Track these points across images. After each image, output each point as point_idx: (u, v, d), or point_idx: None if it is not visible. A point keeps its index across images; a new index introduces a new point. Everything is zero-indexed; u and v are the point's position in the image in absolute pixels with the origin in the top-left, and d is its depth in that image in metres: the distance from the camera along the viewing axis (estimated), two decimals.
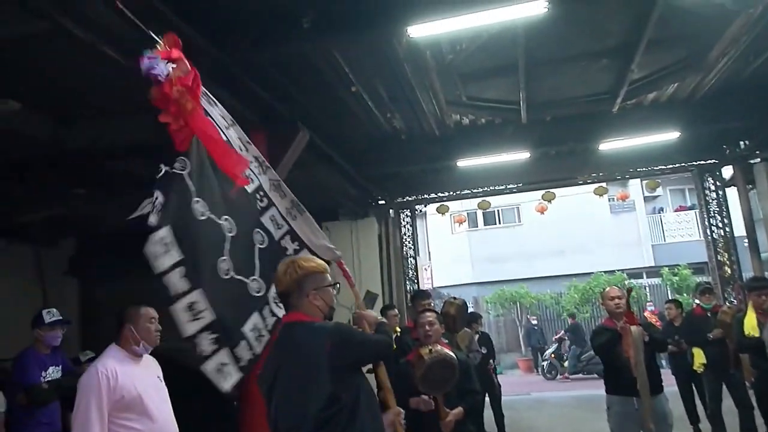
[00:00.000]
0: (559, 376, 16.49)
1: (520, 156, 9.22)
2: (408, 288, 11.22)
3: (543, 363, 17.19)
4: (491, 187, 11.00)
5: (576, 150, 9.79)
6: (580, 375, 15.71)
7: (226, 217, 2.59)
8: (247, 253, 2.69)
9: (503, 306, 20.88)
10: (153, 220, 2.24)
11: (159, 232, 2.24)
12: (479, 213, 21.60)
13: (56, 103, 5.78)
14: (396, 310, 6.42)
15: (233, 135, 2.73)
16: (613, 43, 6.46)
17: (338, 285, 2.43)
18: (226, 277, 2.53)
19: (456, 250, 23.05)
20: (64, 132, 6.04)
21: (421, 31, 4.72)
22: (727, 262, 10.17)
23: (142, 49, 2.34)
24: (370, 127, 8.00)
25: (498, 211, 22.72)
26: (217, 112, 2.70)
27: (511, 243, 22.41)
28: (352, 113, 7.24)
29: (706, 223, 10.47)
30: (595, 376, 13.83)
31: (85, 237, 9.90)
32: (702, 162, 10.26)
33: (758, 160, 9.50)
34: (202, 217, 2.47)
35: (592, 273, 19.84)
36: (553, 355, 16.89)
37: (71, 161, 6.44)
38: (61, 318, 4.81)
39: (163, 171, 2.34)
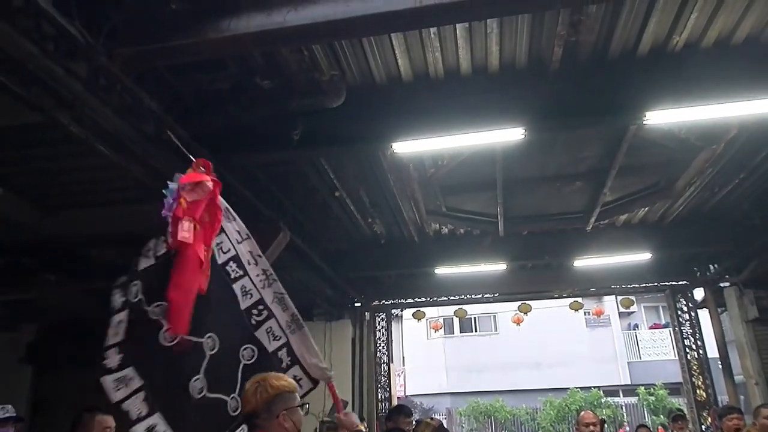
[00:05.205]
0: None
1: (497, 267, 9.33)
2: (380, 395, 10.81)
3: None
4: (468, 295, 11.00)
5: (552, 264, 9.95)
6: None
7: (210, 334, 2.62)
8: (230, 369, 2.68)
9: (477, 420, 20.12)
10: (113, 362, 2.34)
11: (121, 372, 2.34)
12: (455, 320, 21.40)
13: (40, 189, 5.81)
14: (365, 424, 6.14)
15: (244, 249, 2.85)
16: (586, 167, 6.80)
17: (307, 406, 2.33)
18: (199, 396, 2.50)
19: (431, 356, 22.54)
20: (44, 218, 6.02)
21: (405, 147, 4.96)
22: (702, 386, 10.07)
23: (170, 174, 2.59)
24: (351, 230, 8.11)
25: (474, 318, 22.53)
26: (233, 227, 2.87)
27: (487, 352, 22.03)
28: (334, 216, 7.37)
29: (680, 344, 10.48)
30: None
31: (46, 324, 9.54)
32: (674, 283, 10.45)
33: (728, 284, 9.72)
34: (171, 343, 2.48)
35: (569, 388, 19.42)
36: None
37: (47, 247, 6.36)
38: (14, 415, 4.54)
39: (125, 308, 2.41)
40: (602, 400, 19.14)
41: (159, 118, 4.13)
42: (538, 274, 10.28)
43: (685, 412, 9.23)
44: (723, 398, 10.48)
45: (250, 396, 2.24)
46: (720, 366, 9.99)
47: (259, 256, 2.97)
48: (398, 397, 15.95)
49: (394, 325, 13.38)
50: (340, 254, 8.80)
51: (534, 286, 10.65)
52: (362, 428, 2.84)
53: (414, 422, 4.99)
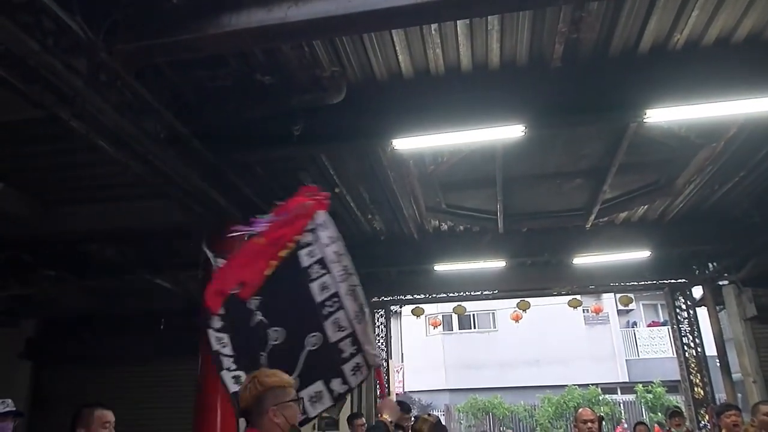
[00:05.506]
0: None
1: (497, 264, 9.34)
2: (378, 392, 10.82)
3: None
4: (467, 292, 11.00)
5: (551, 262, 9.95)
6: None
7: (277, 328, 3.09)
8: (293, 354, 3.04)
9: (476, 416, 20.17)
10: (216, 324, 2.95)
11: (220, 333, 2.96)
12: (454, 317, 21.43)
13: (40, 184, 5.81)
14: (363, 419, 6.16)
15: (330, 250, 3.23)
16: (586, 164, 6.80)
17: (302, 399, 2.34)
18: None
19: (430, 353, 22.58)
20: (44, 213, 6.02)
21: (405, 144, 4.96)
22: (700, 383, 10.11)
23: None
24: (350, 226, 8.09)
25: (473, 315, 22.56)
26: (326, 234, 3.27)
27: (485, 349, 22.07)
28: (333, 213, 7.34)
29: (679, 342, 10.52)
30: None
31: (46, 319, 9.55)
32: (672, 281, 10.47)
33: (726, 282, 9.73)
34: (255, 324, 3.08)
35: (567, 385, 19.47)
36: None
37: (47, 242, 6.37)
38: (14, 409, 4.52)
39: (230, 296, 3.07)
40: (600, 398, 19.20)
41: (159, 115, 4.13)
42: (538, 272, 10.28)
43: (683, 409, 9.26)
44: (721, 396, 10.52)
45: (242, 393, 2.24)
46: (718, 364, 10.02)
47: (342, 254, 3.26)
48: (397, 394, 16.00)
49: (393, 321, 13.41)
50: None
51: (533, 283, 10.66)
52: (385, 418, 2.90)
53: (412, 418, 5.02)
